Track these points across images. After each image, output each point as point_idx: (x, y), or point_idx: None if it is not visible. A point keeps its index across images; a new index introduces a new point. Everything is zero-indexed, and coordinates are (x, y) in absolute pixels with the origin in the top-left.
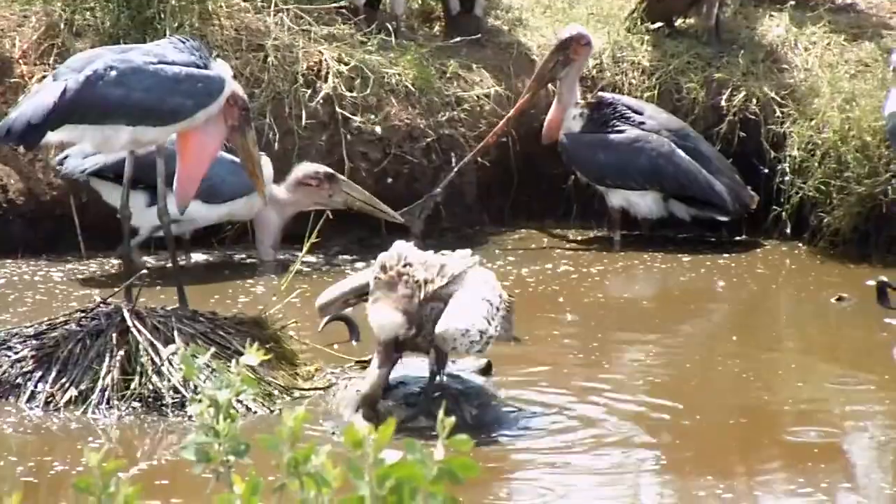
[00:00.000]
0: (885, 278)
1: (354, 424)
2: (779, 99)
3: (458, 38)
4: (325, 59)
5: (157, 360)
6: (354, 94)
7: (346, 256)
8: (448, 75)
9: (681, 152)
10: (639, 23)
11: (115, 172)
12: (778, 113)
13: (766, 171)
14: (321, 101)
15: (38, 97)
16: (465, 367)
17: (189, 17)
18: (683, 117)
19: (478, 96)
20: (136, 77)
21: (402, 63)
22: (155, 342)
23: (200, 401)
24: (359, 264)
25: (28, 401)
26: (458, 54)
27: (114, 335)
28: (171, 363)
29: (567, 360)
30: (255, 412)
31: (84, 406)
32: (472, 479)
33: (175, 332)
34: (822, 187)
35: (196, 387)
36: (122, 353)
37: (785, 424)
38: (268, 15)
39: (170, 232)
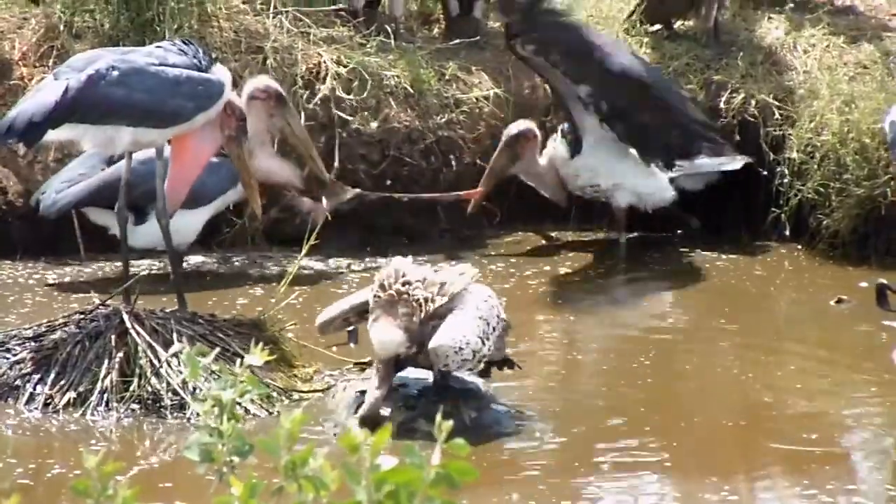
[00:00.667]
0: (884, 281)
1: (351, 429)
2: (778, 101)
3: (457, 41)
4: (324, 62)
5: (156, 362)
6: (353, 96)
7: (344, 259)
8: (447, 77)
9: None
10: (638, 25)
11: (91, 202)
12: (777, 115)
13: (765, 173)
14: (320, 102)
15: (40, 95)
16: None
17: (188, 20)
18: None
19: (477, 98)
20: (138, 78)
21: (400, 65)
22: (154, 344)
23: (204, 400)
24: (356, 267)
25: (27, 403)
26: (457, 56)
27: (113, 337)
28: (170, 365)
29: (566, 362)
30: (254, 414)
31: (83, 408)
32: (471, 481)
33: (174, 334)
34: (821, 189)
35: (195, 388)
36: (120, 355)
37: (784, 426)
38: (267, 17)
39: (168, 233)
